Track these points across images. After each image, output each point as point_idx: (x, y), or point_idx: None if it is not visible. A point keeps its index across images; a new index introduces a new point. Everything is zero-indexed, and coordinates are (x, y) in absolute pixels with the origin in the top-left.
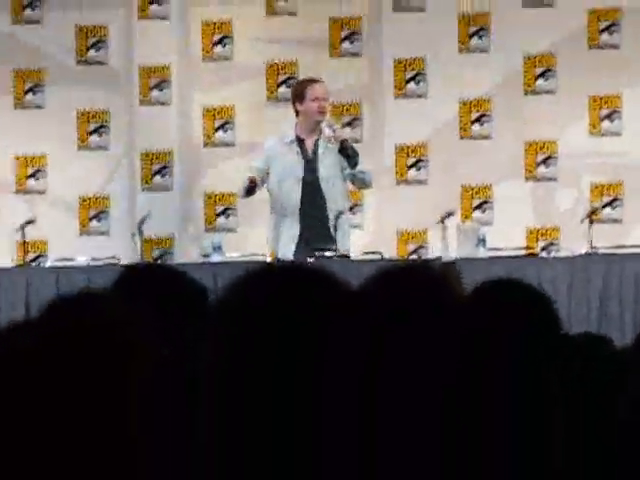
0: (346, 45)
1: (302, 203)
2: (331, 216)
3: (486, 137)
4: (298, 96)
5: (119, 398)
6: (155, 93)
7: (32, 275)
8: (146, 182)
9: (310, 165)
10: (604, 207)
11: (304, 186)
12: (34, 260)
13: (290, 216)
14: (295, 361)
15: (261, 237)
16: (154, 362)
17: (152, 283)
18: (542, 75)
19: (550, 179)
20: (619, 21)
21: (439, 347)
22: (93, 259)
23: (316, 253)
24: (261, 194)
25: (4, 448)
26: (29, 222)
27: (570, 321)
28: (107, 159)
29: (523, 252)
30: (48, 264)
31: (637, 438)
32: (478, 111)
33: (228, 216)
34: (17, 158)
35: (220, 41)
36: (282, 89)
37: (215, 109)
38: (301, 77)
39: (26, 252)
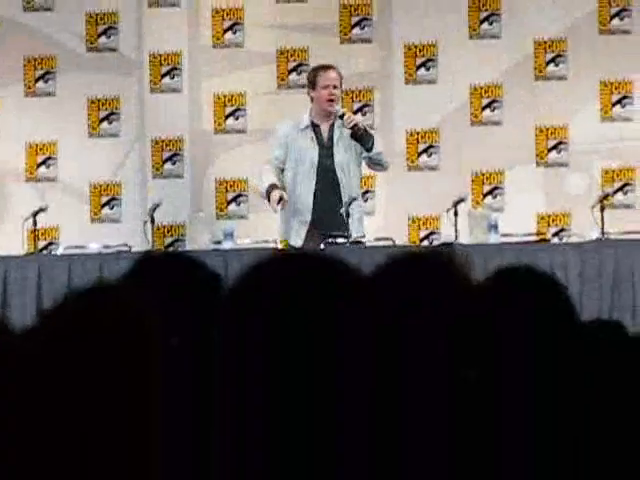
0: (356, 31)
1: (316, 189)
2: (344, 202)
3: (497, 123)
4: (311, 82)
5: (132, 388)
6: (166, 80)
7: (44, 263)
8: (157, 169)
9: (325, 151)
10: (615, 192)
11: (319, 172)
12: (45, 248)
13: (303, 201)
14: (308, 347)
15: (272, 224)
16: (165, 352)
17: (167, 271)
18: (553, 60)
19: (561, 165)
20: (630, 6)
21: (452, 333)
22: (105, 246)
23: (329, 239)
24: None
25: (23, 437)
26: (40, 210)
27: (582, 307)
28: (118, 146)
29: (534, 238)
30: (59, 252)
31: None
32: (489, 97)
33: (239, 203)
34: (28, 146)
35: (231, 28)
36: (293, 76)
37: (226, 96)
38: (312, 64)
39: (37, 240)
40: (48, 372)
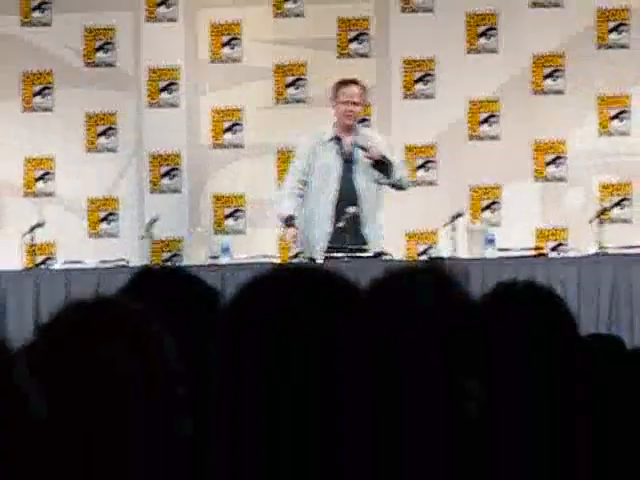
0: (354, 46)
1: (337, 201)
2: (364, 215)
3: (495, 137)
4: (333, 96)
5: (128, 401)
6: (164, 95)
7: (41, 278)
8: (154, 184)
9: (347, 164)
10: (613, 207)
11: (341, 184)
12: (43, 263)
13: (325, 213)
14: (305, 362)
15: (270, 239)
16: (163, 366)
17: (164, 286)
18: (550, 75)
19: (559, 179)
20: (628, 21)
21: (448, 346)
22: (102, 261)
23: (349, 251)
24: (267, 194)
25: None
26: (38, 225)
27: (579, 322)
28: (116, 161)
29: (532, 252)
30: (57, 267)
31: None
32: (487, 111)
33: (237, 218)
34: (26, 160)
35: (228, 42)
36: (290, 90)
37: (223, 111)
38: (310, 78)
39: (35, 255)
40: (46, 385)
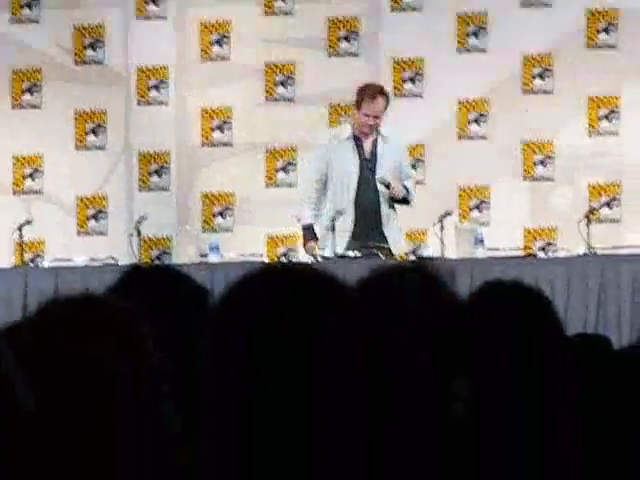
0: (344, 45)
1: (357, 199)
2: (384, 214)
3: (484, 137)
4: (357, 102)
5: (114, 398)
6: (153, 93)
7: (30, 276)
8: (143, 182)
9: (367, 163)
10: (602, 207)
11: (360, 183)
12: (32, 261)
13: (344, 211)
14: (295, 361)
15: (258, 237)
16: (149, 365)
17: (153, 284)
18: (540, 75)
19: (548, 179)
20: (617, 21)
21: (436, 345)
22: (91, 259)
23: (369, 249)
24: (258, 194)
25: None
26: (27, 222)
27: (567, 322)
28: (104, 159)
29: (521, 252)
30: (45, 264)
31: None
32: (476, 111)
33: (225, 216)
34: (15, 158)
35: (218, 41)
36: (280, 89)
37: (213, 109)
38: (299, 77)
39: (24, 253)
40: (33, 376)
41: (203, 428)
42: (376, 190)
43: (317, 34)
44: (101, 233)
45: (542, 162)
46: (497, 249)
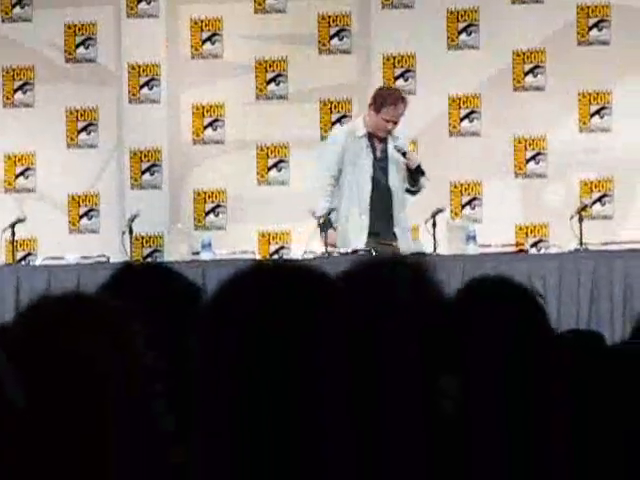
0: (335, 42)
1: (372, 197)
2: (395, 212)
3: (475, 134)
4: (376, 105)
5: (106, 396)
6: (144, 91)
7: (22, 273)
8: (135, 180)
9: (378, 163)
10: (594, 203)
11: (373, 181)
12: (24, 259)
13: (359, 208)
14: (286, 357)
15: (250, 234)
16: (140, 363)
17: (145, 282)
18: (531, 71)
19: (540, 175)
20: (608, 17)
21: (423, 340)
22: (83, 257)
23: (385, 246)
24: (250, 192)
25: None
26: (19, 220)
27: (560, 318)
28: (96, 157)
29: (513, 249)
30: (38, 262)
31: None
32: (467, 108)
33: (217, 214)
34: (7, 157)
35: (209, 38)
36: (271, 86)
37: (204, 107)
38: (290, 74)
39: (16, 250)
40: (25, 373)
41: (196, 426)
42: (389, 190)
43: (308, 31)
44: (93, 231)
45: (534, 158)
46: (489, 245)
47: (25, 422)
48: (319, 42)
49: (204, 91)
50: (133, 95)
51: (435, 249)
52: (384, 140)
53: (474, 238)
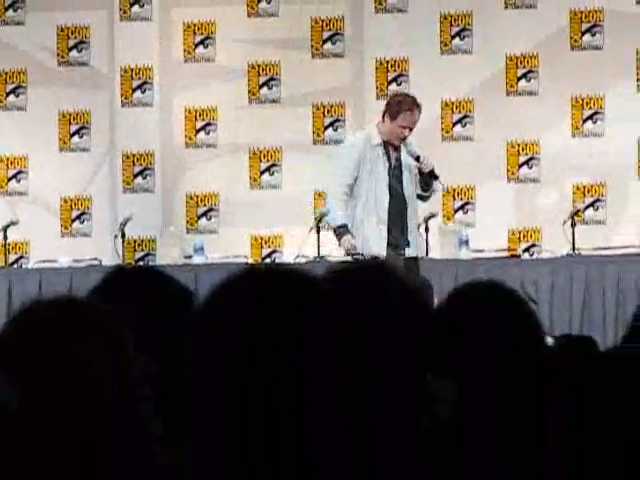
0: (328, 46)
1: (389, 206)
2: (408, 220)
3: (468, 138)
4: (392, 112)
5: (98, 400)
6: (137, 94)
7: (14, 276)
8: (128, 183)
9: (393, 171)
10: (586, 208)
11: (390, 189)
12: (16, 262)
13: (377, 217)
14: (277, 361)
15: (242, 238)
16: (131, 367)
17: (137, 285)
18: (524, 76)
19: (532, 180)
20: (601, 22)
21: (414, 343)
22: (75, 260)
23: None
24: (242, 196)
25: None
26: (11, 224)
27: (552, 323)
28: (89, 160)
29: (505, 254)
30: (30, 266)
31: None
32: (460, 112)
33: (210, 217)
34: None
35: (202, 42)
36: (264, 90)
37: (197, 110)
38: (283, 78)
39: (8, 254)
40: (17, 376)
41: (187, 429)
42: (404, 198)
43: (301, 35)
44: (85, 234)
45: (527, 163)
46: (482, 250)
47: (19, 424)
48: (312, 46)
49: (197, 94)
50: (126, 98)
51: (427, 254)
52: (397, 148)
53: (467, 243)
